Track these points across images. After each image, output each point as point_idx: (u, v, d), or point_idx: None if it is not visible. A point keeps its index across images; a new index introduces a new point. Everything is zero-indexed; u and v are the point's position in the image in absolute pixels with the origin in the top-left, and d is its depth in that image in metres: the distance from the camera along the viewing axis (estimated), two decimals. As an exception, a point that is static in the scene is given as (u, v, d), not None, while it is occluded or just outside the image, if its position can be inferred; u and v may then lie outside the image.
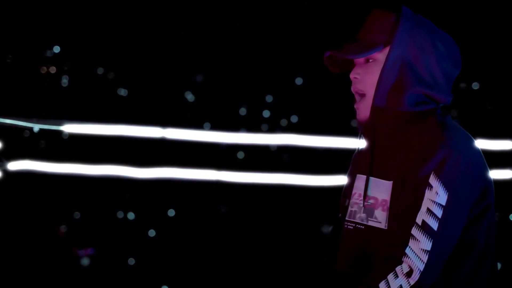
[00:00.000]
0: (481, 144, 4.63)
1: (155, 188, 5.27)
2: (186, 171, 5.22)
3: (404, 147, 1.80)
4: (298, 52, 5.90)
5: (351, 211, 1.89)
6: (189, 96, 5.82)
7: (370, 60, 1.85)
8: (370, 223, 1.83)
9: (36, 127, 4.95)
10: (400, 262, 1.71)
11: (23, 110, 5.13)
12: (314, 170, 5.29)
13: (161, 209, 5.44)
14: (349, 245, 1.86)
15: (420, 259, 1.71)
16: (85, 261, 5.10)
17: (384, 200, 1.81)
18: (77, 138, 5.15)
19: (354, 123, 6.03)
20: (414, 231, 1.72)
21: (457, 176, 1.74)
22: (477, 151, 1.81)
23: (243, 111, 5.93)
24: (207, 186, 5.28)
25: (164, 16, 5.67)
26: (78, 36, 5.46)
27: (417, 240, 1.72)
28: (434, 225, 1.72)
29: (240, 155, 5.68)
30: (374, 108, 1.82)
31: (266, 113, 5.98)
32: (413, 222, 1.72)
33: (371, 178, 1.84)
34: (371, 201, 1.84)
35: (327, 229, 5.44)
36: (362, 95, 1.86)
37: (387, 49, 1.83)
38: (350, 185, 1.93)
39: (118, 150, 5.25)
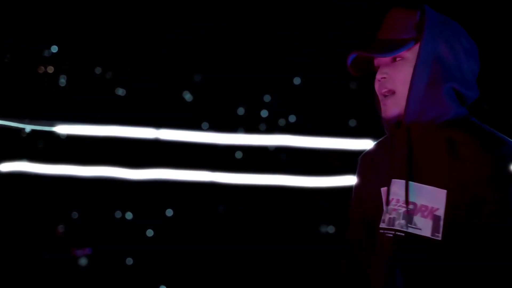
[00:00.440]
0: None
1: (152, 188, 5.26)
2: (184, 172, 5.21)
3: (451, 154, 1.71)
4: (296, 52, 5.89)
5: (389, 218, 1.80)
6: (187, 96, 5.81)
7: (398, 59, 1.79)
8: (410, 230, 1.75)
9: (29, 127, 4.94)
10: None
11: (20, 110, 5.12)
12: (312, 171, 5.28)
13: (159, 209, 5.43)
14: (391, 254, 1.77)
15: None
16: (83, 261, 5.09)
17: (424, 206, 1.74)
18: (74, 138, 5.14)
19: (352, 123, 6.06)
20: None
21: None
22: None
23: (241, 111, 5.93)
24: (204, 186, 5.27)
25: (163, 16, 5.66)
26: (76, 35, 5.45)
27: None
28: None
29: (238, 155, 5.68)
30: (410, 108, 1.75)
31: (264, 113, 5.97)
32: (506, 251, 1.64)
33: (412, 183, 1.75)
34: (411, 206, 1.76)
35: (325, 229, 5.43)
36: (392, 93, 1.79)
37: (416, 47, 1.78)
38: (370, 189, 1.85)
39: (115, 151, 5.24)
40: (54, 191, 5.21)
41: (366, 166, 1.89)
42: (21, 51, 5.36)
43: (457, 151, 1.72)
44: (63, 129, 5.06)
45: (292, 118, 5.95)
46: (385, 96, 1.79)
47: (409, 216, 1.76)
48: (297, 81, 5.99)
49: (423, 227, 1.73)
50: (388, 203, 1.80)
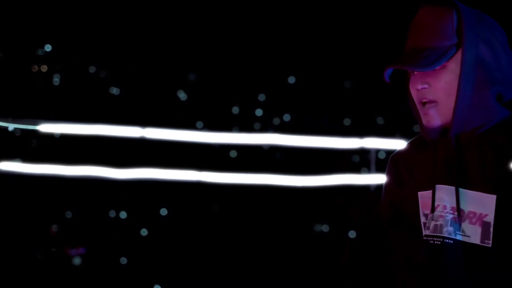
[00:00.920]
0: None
1: (146, 188, 5.25)
2: (176, 172, 5.20)
3: (498, 158, 1.67)
4: (291, 51, 5.89)
5: (436, 225, 1.74)
6: (182, 95, 5.80)
7: (438, 68, 1.70)
8: (458, 237, 1.72)
9: (14, 126, 4.92)
10: None
11: (13, 110, 5.11)
12: (305, 170, 5.27)
13: (154, 209, 5.42)
14: (439, 261, 1.72)
15: None
16: (77, 261, 5.08)
17: (472, 212, 1.70)
18: (66, 138, 5.13)
19: (346, 122, 6.05)
20: None
21: None
22: None
23: (236, 110, 5.92)
24: (199, 186, 5.26)
25: (157, 15, 5.65)
26: (70, 34, 5.44)
27: None
28: None
29: (233, 154, 5.67)
30: (457, 118, 1.69)
31: (258, 112, 5.97)
32: None
33: (461, 189, 1.71)
34: (457, 213, 1.72)
35: (319, 228, 5.43)
36: (433, 103, 1.71)
37: (457, 53, 1.69)
38: (409, 198, 1.79)
39: (107, 150, 5.23)
40: (47, 191, 5.19)
41: (398, 167, 1.84)
42: (15, 50, 5.34)
43: (503, 155, 1.68)
44: (53, 128, 5.05)
45: (286, 117, 5.95)
46: (424, 104, 1.73)
47: (457, 223, 1.72)
48: (291, 80, 5.98)
49: (472, 234, 1.70)
50: (433, 209, 1.75)
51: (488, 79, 1.70)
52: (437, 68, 1.70)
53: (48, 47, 5.40)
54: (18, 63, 5.38)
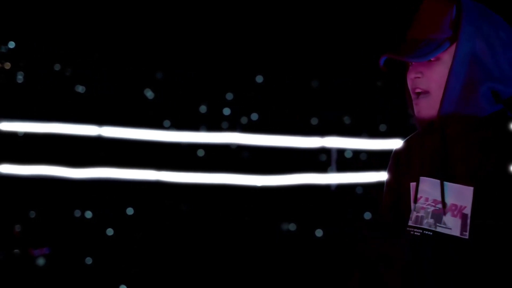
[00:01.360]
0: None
1: (113, 187, 5.21)
2: (144, 171, 5.16)
3: (483, 152, 1.69)
4: (259, 50, 5.88)
5: (417, 216, 1.76)
6: (149, 94, 5.76)
7: (433, 59, 1.72)
8: (439, 229, 1.72)
9: None
10: None
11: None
12: (269, 169, 5.26)
13: (120, 208, 5.38)
14: (418, 253, 1.74)
15: None
16: (41, 261, 5.02)
17: (454, 205, 1.71)
18: (31, 137, 5.06)
19: (314, 121, 6.06)
20: None
21: None
22: None
23: (203, 109, 5.89)
24: (165, 185, 5.23)
25: (123, 12, 5.60)
26: (34, 31, 5.37)
27: None
28: None
29: (200, 153, 5.65)
30: (444, 110, 1.71)
31: (226, 111, 5.95)
32: None
33: (445, 182, 1.72)
34: (439, 205, 1.73)
35: (286, 226, 5.43)
36: (426, 93, 1.73)
37: (452, 47, 1.70)
38: (402, 187, 1.81)
39: (68, 149, 5.18)
40: (10, 191, 5.12)
41: (397, 162, 1.85)
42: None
43: (486, 148, 1.69)
44: (15, 127, 4.98)
45: (254, 116, 5.94)
46: (418, 95, 1.74)
47: (438, 215, 1.73)
48: (259, 79, 5.97)
49: (453, 226, 1.71)
50: (416, 200, 1.77)
51: (482, 75, 1.70)
52: (432, 59, 1.71)
53: (11, 44, 5.32)
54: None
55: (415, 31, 1.73)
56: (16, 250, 5.00)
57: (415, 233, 1.75)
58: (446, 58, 1.71)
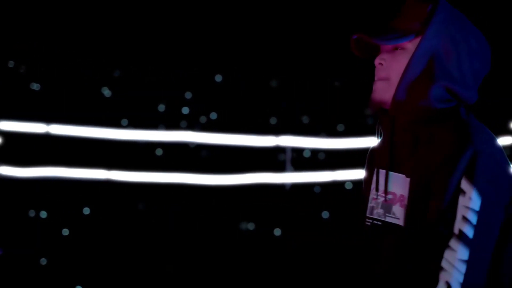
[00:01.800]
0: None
1: (69, 187, 5.15)
2: (101, 171, 5.11)
3: (426, 144, 1.75)
4: (218, 50, 5.86)
5: (370, 207, 1.83)
6: (106, 92, 5.71)
7: (398, 48, 1.79)
8: (388, 219, 1.78)
9: None
10: (436, 280, 1.65)
11: None
12: (224, 168, 5.25)
13: (76, 208, 5.31)
14: (369, 242, 1.82)
15: (459, 270, 1.65)
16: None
17: (402, 196, 1.76)
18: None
19: (273, 121, 6.06)
20: (452, 242, 1.66)
21: (488, 179, 1.69)
22: (502, 151, 1.77)
23: (162, 108, 5.86)
24: (122, 185, 5.18)
25: (81, 8, 5.54)
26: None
27: (454, 250, 1.66)
28: (470, 232, 1.67)
29: (159, 152, 5.61)
30: (397, 98, 1.77)
31: (185, 110, 5.92)
32: (450, 233, 1.67)
33: (390, 173, 1.79)
34: (390, 196, 1.79)
35: (245, 226, 5.42)
36: (384, 80, 1.80)
37: (418, 39, 1.77)
38: (369, 180, 1.88)
39: (18, 148, 5.10)
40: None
41: (371, 158, 1.91)
42: None
43: (429, 141, 1.74)
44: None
45: (213, 115, 5.92)
46: (379, 80, 1.81)
47: (388, 205, 1.79)
48: (218, 78, 5.96)
49: (400, 216, 1.76)
50: (371, 192, 1.84)
51: (442, 73, 1.75)
52: (398, 49, 1.78)
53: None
54: None
55: (394, 20, 1.82)
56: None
57: (367, 223, 1.83)
58: (410, 49, 1.77)
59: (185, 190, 5.19)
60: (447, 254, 1.65)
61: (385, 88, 1.78)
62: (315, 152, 5.43)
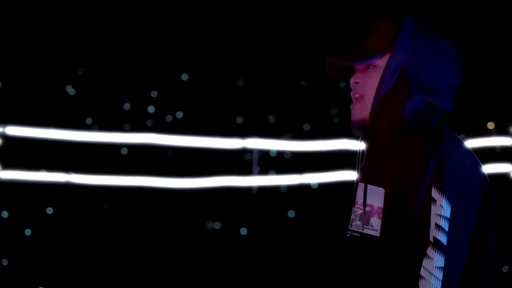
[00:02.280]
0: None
1: (29, 186, 5.08)
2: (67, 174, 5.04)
3: (399, 155, 1.80)
4: (184, 48, 5.83)
5: (351, 219, 1.90)
6: (70, 90, 5.65)
7: (371, 67, 1.88)
8: (366, 231, 1.84)
9: None
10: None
11: None
12: (189, 171, 5.22)
13: (38, 208, 5.25)
14: (349, 254, 1.87)
15: (437, 277, 1.69)
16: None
17: (380, 208, 1.82)
18: None
19: (239, 120, 6.04)
20: (428, 250, 1.71)
21: (456, 186, 1.73)
22: (471, 157, 1.81)
23: (127, 106, 5.82)
24: (84, 187, 5.12)
25: (42, 3, 5.46)
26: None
27: (430, 258, 1.70)
28: (443, 239, 1.71)
29: (124, 151, 5.57)
30: (373, 113, 1.85)
31: (151, 109, 5.88)
32: (426, 242, 1.71)
33: (369, 186, 1.85)
34: (368, 208, 1.85)
35: (211, 225, 5.41)
36: (361, 98, 1.88)
37: (387, 56, 1.86)
38: (354, 193, 1.94)
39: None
40: None
41: (359, 171, 1.97)
42: None
43: (401, 152, 1.80)
44: None
45: (179, 115, 5.89)
46: (356, 99, 1.88)
47: (366, 217, 1.84)
48: (184, 77, 5.93)
49: (378, 227, 1.82)
50: (352, 204, 1.91)
51: (413, 87, 1.82)
52: (371, 67, 1.87)
53: None
54: None
55: (361, 40, 1.90)
56: None
57: (347, 235, 1.90)
58: (381, 66, 1.86)
59: (148, 193, 5.14)
60: (424, 262, 1.70)
61: (362, 107, 1.87)
62: (282, 154, 5.43)
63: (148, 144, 5.16)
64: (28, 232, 5.15)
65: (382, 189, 1.81)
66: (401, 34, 1.85)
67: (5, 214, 5.13)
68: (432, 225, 1.71)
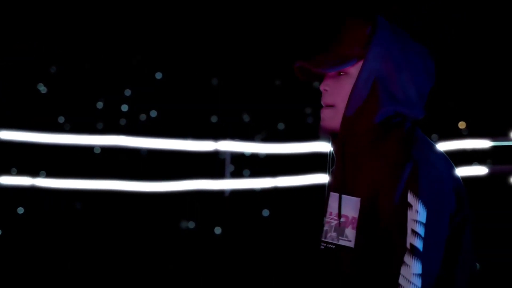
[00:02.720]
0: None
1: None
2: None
3: (372, 163, 1.75)
4: (159, 46, 5.79)
5: (325, 230, 1.83)
6: (42, 88, 5.59)
7: (342, 73, 1.78)
8: (341, 242, 1.78)
9: None
10: None
11: None
12: (162, 174, 5.18)
13: (9, 208, 5.20)
14: (323, 266, 1.82)
15: (415, 285, 1.66)
16: None
17: (354, 218, 1.76)
18: None
19: (214, 119, 6.00)
20: (406, 258, 1.67)
21: (432, 190, 1.69)
22: (445, 161, 1.77)
23: (100, 105, 5.77)
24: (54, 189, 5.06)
25: (13, 2, 5.38)
26: None
27: (408, 265, 1.67)
28: (420, 245, 1.67)
29: (97, 150, 5.52)
30: (345, 123, 1.78)
31: (124, 108, 5.84)
32: (404, 249, 1.67)
33: (343, 196, 1.79)
34: (343, 219, 1.78)
35: (186, 224, 5.39)
36: (332, 106, 1.80)
37: (360, 63, 1.76)
38: (326, 203, 1.88)
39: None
40: None
41: (329, 183, 1.91)
42: None
43: (375, 160, 1.75)
44: None
45: (153, 113, 5.84)
46: (326, 107, 1.81)
47: (341, 228, 1.78)
48: (158, 75, 5.88)
49: (352, 238, 1.76)
50: (325, 215, 1.85)
51: (387, 96, 1.76)
52: (342, 74, 1.78)
53: None
54: None
55: (333, 45, 1.80)
56: None
57: (322, 246, 1.83)
58: (353, 73, 1.77)
59: (119, 196, 5.09)
60: (403, 270, 1.66)
61: (332, 115, 1.79)
62: (255, 157, 5.40)
63: (120, 146, 5.10)
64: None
65: (357, 198, 1.75)
66: (375, 40, 1.76)
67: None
68: (409, 231, 1.67)
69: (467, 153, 5.00)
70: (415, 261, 1.66)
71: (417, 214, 1.67)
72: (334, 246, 1.78)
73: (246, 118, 5.76)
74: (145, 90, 5.80)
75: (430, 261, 1.67)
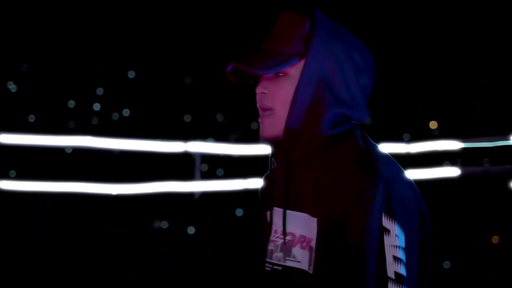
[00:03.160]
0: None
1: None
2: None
3: (328, 177, 1.59)
4: (132, 45, 5.74)
5: (270, 250, 1.66)
6: (12, 87, 5.53)
7: (281, 74, 1.60)
8: (288, 263, 1.62)
9: None
10: None
11: None
12: (129, 176, 5.12)
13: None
14: None
15: None
16: None
17: (303, 236, 1.60)
18: None
19: (187, 119, 5.94)
20: (390, 287, 1.55)
21: (405, 212, 1.57)
22: (403, 173, 1.64)
23: (72, 104, 5.71)
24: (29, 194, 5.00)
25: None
26: None
27: None
28: (404, 272, 1.56)
29: (68, 150, 5.46)
30: (288, 131, 1.60)
31: (96, 106, 5.78)
32: (385, 279, 1.54)
33: (288, 211, 1.62)
34: (289, 237, 1.62)
35: (154, 225, 5.35)
36: (269, 111, 1.61)
37: (301, 63, 1.59)
38: (267, 220, 1.69)
39: None
40: None
41: (264, 196, 1.73)
42: None
43: (329, 174, 1.59)
44: None
45: (126, 112, 5.79)
46: (264, 111, 1.62)
47: (288, 248, 1.62)
48: (131, 74, 5.84)
49: (302, 259, 1.60)
50: (270, 233, 1.67)
51: (331, 98, 1.61)
52: (280, 74, 1.60)
53: None
54: None
55: (267, 42, 1.63)
56: None
57: (267, 268, 1.66)
58: (294, 74, 1.60)
59: (85, 198, 5.03)
60: None
61: (272, 122, 1.61)
62: (225, 158, 5.34)
63: (89, 147, 5.03)
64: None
65: (305, 214, 1.59)
66: (315, 36, 1.60)
67: None
68: (389, 259, 1.55)
69: (438, 154, 4.96)
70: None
71: (397, 238, 1.55)
72: (281, 268, 1.63)
73: (220, 117, 5.72)
74: (117, 89, 5.76)
75: (412, 283, 1.57)
